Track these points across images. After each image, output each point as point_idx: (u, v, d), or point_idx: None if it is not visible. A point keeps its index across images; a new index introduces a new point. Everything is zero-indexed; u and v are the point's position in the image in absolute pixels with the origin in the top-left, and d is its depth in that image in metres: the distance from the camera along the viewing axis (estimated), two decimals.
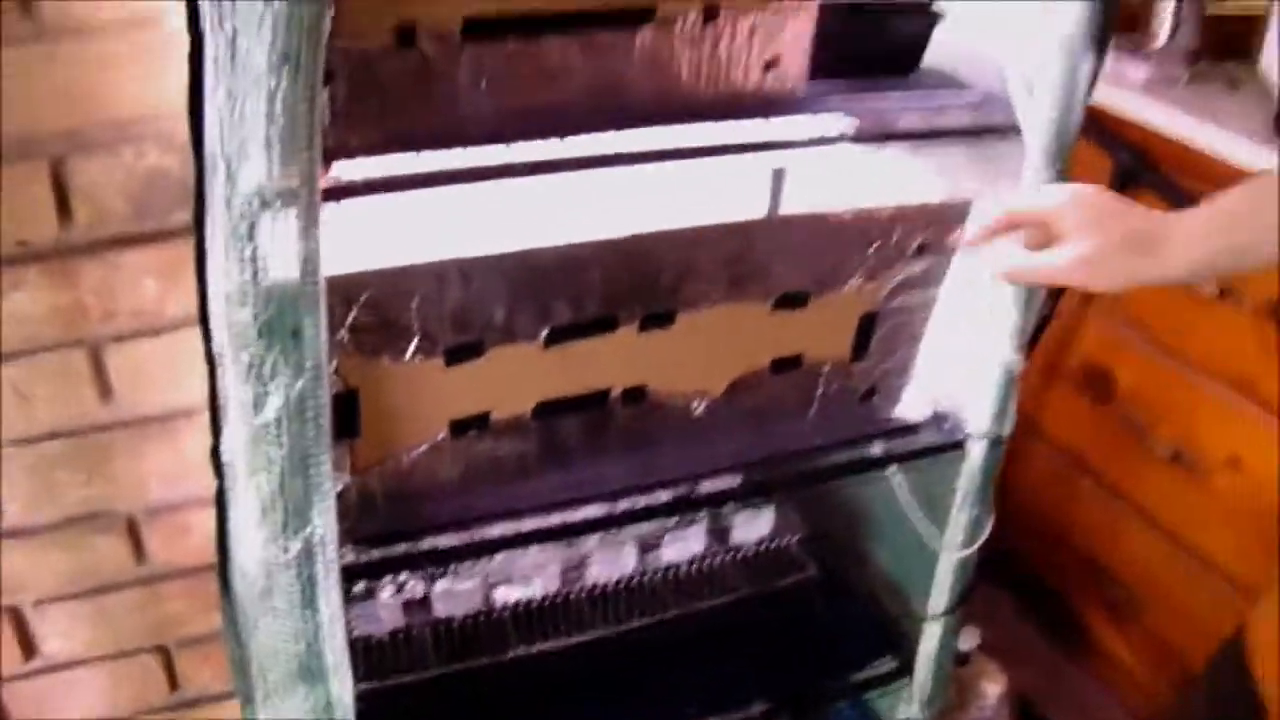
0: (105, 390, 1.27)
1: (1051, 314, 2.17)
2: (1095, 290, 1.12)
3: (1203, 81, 2.14)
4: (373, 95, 1.16)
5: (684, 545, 1.79)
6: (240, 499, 1.17)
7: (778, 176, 1.54)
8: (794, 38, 1.21)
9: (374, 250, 1.21)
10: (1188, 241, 1.04)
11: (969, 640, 2.06)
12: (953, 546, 1.63)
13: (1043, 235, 1.11)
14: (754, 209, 1.53)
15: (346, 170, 1.13)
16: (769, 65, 1.22)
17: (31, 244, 1.19)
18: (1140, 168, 2.06)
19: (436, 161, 1.16)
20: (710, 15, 1.16)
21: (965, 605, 1.73)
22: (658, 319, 1.35)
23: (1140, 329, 2.17)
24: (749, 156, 1.24)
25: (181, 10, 1.01)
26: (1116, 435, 2.25)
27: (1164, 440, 2.15)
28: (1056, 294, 2.14)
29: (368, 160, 1.14)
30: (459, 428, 1.34)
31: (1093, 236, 1.06)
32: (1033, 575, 2.49)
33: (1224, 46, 2.18)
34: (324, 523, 1.17)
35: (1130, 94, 2.08)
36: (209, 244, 1.05)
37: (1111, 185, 2.10)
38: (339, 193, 1.11)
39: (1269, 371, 1.92)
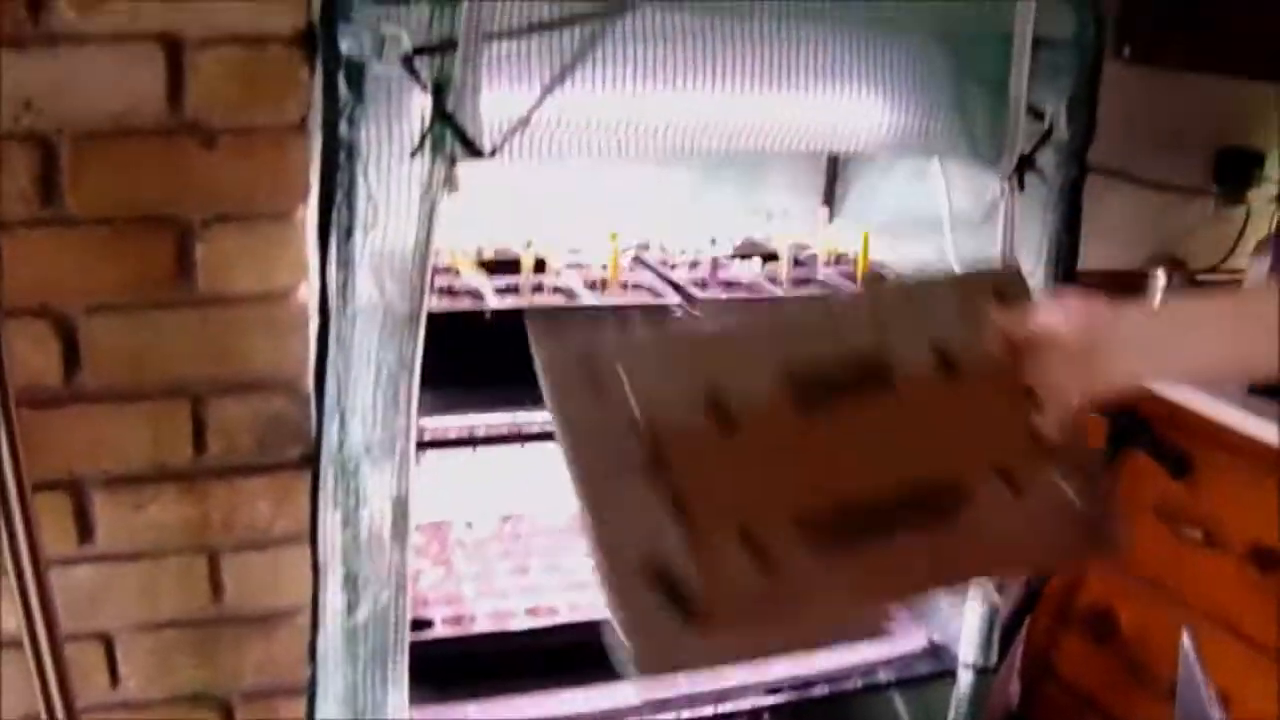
0: (218, 590, 1.51)
1: None
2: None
3: None
4: None
5: None
6: (328, 687, 1.39)
7: None
8: None
9: None
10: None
11: None
12: None
13: None
14: None
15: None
16: None
17: (170, 467, 1.45)
18: (1134, 428, 2.27)
19: None
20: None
21: None
22: None
23: (1138, 573, 2.34)
24: None
25: (311, 290, 1.30)
26: (1120, 674, 2.40)
27: (1163, 678, 2.30)
28: None
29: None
30: None
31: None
32: None
33: None
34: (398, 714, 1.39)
35: None
36: (323, 477, 1.31)
37: (1107, 445, 2.32)
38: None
39: (1252, 611, 2.08)
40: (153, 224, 1.37)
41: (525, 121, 1.25)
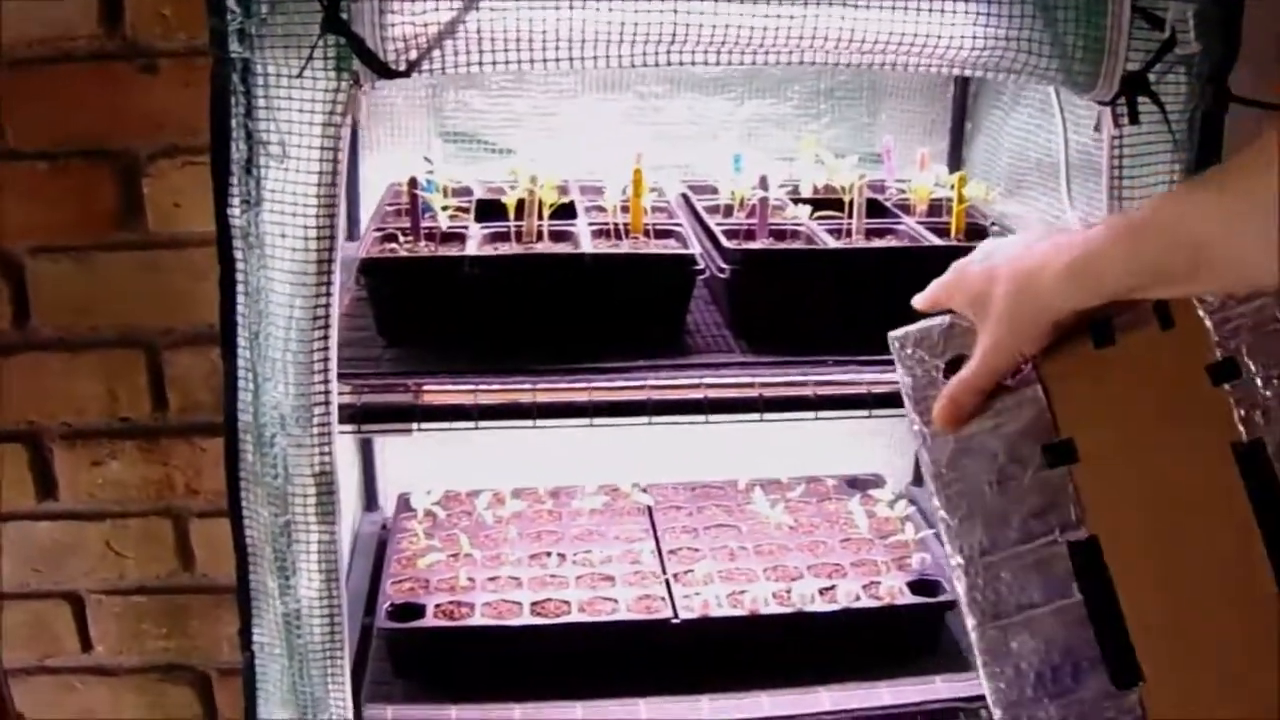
0: (188, 557, 1.40)
1: None
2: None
3: None
4: None
5: None
6: (269, 679, 1.24)
7: None
8: None
9: None
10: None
11: None
12: None
13: None
14: None
15: None
16: None
17: (132, 420, 1.33)
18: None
19: None
20: None
21: None
22: None
23: None
24: None
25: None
26: None
27: None
28: None
29: None
30: None
31: (986, 320, 0.84)
32: None
33: None
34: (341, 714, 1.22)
35: None
36: (241, 447, 1.14)
37: None
38: None
39: None
40: (95, 158, 1.25)
41: (453, 29, 1.03)
